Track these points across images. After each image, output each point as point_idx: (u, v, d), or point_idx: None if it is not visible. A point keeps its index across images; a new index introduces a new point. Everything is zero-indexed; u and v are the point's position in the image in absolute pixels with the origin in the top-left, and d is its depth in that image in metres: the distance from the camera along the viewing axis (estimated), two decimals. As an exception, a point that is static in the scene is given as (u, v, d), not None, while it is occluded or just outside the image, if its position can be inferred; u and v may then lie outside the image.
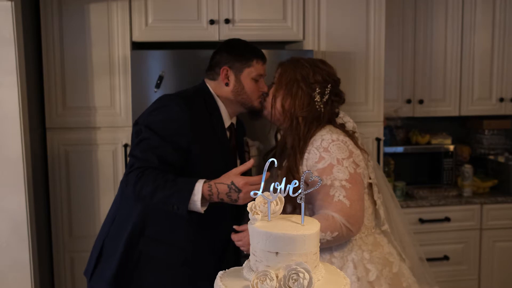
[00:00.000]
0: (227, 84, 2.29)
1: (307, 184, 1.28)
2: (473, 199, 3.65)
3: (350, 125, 2.35)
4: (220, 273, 1.33)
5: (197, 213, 2.06)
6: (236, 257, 2.49)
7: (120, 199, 2.31)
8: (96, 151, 3.22)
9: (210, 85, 2.34)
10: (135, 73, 3.05)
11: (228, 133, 2.34)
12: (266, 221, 1.29)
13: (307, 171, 1.26)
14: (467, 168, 3.71)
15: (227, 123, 2.33)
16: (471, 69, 3.87)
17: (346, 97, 3.34)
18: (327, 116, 2.24)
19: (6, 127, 2.85)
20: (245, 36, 3.22)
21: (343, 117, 2.36)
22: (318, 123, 2.20)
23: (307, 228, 1.25)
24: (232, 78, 2.28)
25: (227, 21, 3.22)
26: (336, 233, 2.02)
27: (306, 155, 2.15)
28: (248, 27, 3.25)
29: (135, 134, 2.21)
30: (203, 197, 2.01)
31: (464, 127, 4.18)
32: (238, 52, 2.29)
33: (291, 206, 2.12)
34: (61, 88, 3.17)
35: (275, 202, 1.31)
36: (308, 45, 3.30)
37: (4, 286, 2.90)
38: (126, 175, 2.11)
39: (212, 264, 2.29)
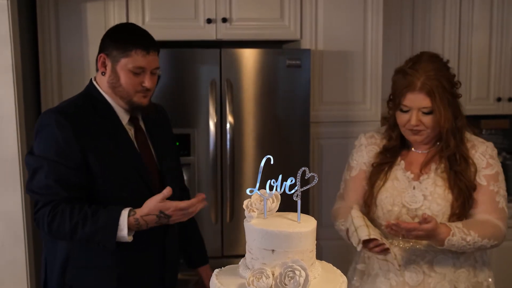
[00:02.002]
0: (103, 74, 2.03)
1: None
2: (471, 199, 3.64)
3: None
4: (216, 271, 1.32)
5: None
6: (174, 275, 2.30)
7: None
8: (93, 151, 3.21)
9: (97, 81, 2.09)
10: (131, 72, 3.04)
11: (132, 131, 2.10)
12: (262, 218, 1.28)
13: (303, 168, 1.26)
14: (465, 167, 3.70)
15: (125, 120, 2.08)
16: (468, 69, 3.86)
17: (343, 97, 3.36)
18: None
19: (2, 126, 2.83)
20: (243, 35, 3.23)
21: None
22: None
23: (303, 226, 1.24)
24: (108, 67, 2.01)
25: (224, 20, 3.21)
26: (496, 242, 2.06)
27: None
28: (246, 26, 3.24)
29: (26, 166, 2.02)
30: (129, 229, 1.90)
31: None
32: (119, 38, 1.99)
33: None
34: (57, 87, 3.16)
35: (271, 200, 1.30)
36: (306, 44, 3.30)
37: (0, 286, 2.89)
38: (34, 214, 1.97)
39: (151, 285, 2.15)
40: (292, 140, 3.20)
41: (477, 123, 4.00)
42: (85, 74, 3.16)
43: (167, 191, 1.91)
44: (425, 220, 1.88)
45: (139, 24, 3.13)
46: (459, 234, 1.96)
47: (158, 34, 3.14)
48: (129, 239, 1.92)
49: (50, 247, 2.09)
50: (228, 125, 3.05)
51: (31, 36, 3.17)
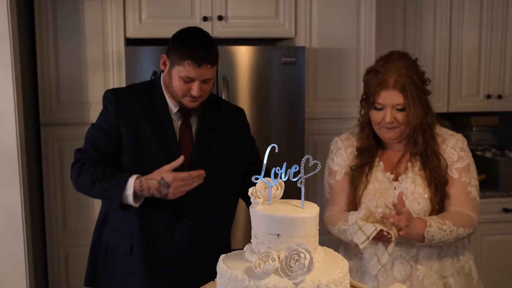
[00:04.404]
0: (162, 71, 2.23)
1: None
2: (461, 194, 3.71)
3: None
4: (222, 256, 1.37)
5: (145, 207, 2.15)
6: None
7: None
8: (90, 147, 3.24)
9: (160, 64, 2.27)
10: (129, 69, 3.08)
11: (178, 122, 2.23)
12: (267, 205, 1.33)
13: (307, 156, 1.31)
14: (455, 163, 3.77)
15: (173, 111, 2.22)
16: (459, 66, 3.93)
17: (337, 93, 3.42)
18: None
19: (2, 122, 2.86)
20: (238, 33, 3.28)
21: None
22: None
23: (307, 211, 1.29)
24: (167, 67, 2.18)
25: (220, 18, 3.26)
26: (471, 230, 2.13)
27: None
28: (241, 24, 3.29)
29: None
30: (135, 192, 2.08)
31: (452, 123, 4.22)
32: (179, 45, 2.13)
33: None
34: (55, 83, 3.19)
35: (275, 187, 1.35)
36: (300, 41, 3.35)
37: (0, 277, 2.92)
38: (71, 167, 2.21)
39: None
40: (287, 136, 3.26)
41: (467, 119, 4.07)
42: (82, 71, 3.20)
43: (180, 159, 2.10)
44: (398, 212, 1.97)
45: (136, 22, 3.19)
46: (435, 224, 2.01)
47: (155, 31, 3.23)
48: (135, 204, 2.11)
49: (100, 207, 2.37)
50: (224, 121, 3.10)
51: (29, 33, 3.20)
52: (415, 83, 2.09)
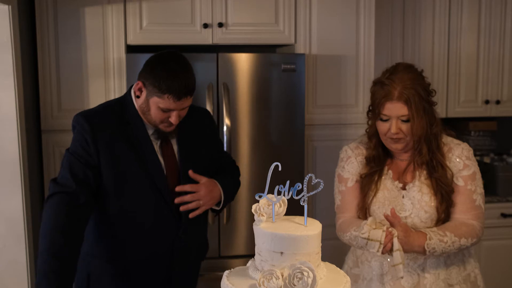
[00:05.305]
0: (137, 97, 2.15)
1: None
2: (459, 199, 3.73)
3: None
4: (226, 272, 1.39)
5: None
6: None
7: None
8: (91, 153, 3.26)
9: (134, 89, 2.19)
10: (130, 76, 3.10)
11: (157, 143, 2.19)
12: (271, 222, 1.35)
13: (310, 175, 1.33)
14: (454, 168, 3.79)
15: (151, 131, 2.18)
16: (457, 72, 3.96)
17: (336, 100, 3.44)
18: None
19: (4, 129, 2.88)
20: (238, 39, 3.30)
21: None
22: None
23: (310, 229, 1.31)
24: (143, 95, 2.12)
25: (220, 24, 3.27)
26: (475, 240, 2.14)
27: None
28: (241, 31, 3.31)
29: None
30: None
31: (451, 128, 4.27)
32: (158, 77, 2.05)
33: None
34: (56, 90, 3.21)
35: (278, 204, 1.37)
36: (300, 48, 3.37)
37: (1, 287, 2.93)
38: (45, 203, 2.08)
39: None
40: (287, 142, 3.28)
41: (465, 125, 4.10)
42: (83, 78, 3.21)
43: None
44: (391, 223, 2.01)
45: (137, 28, 3.21)
46: (436, 237, 2.04)
47: (155, 38, 3.24)
48: None
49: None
50: (225, 127, 3.12)
51: (30, 40, 3.22)
52: (420, 95, 2.12)
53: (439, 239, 2.04)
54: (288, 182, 1.32)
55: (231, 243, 3.24)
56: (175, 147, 2.23)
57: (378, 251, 1.97)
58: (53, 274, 1.91)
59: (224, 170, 2.43)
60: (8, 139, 2.90)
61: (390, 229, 2.00)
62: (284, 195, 1.34)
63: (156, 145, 2.18)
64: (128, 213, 2.15)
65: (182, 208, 2.17)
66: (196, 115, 2.32)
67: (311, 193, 1.34)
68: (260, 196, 1.36)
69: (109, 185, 2.11)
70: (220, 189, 2.28)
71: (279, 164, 1.33)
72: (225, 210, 3.16)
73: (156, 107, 2.08)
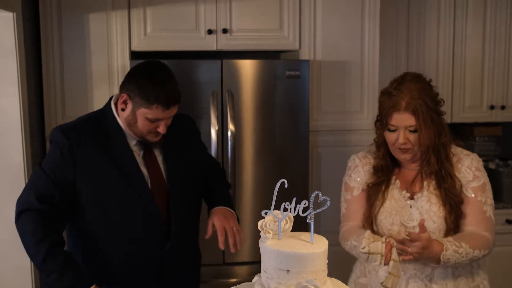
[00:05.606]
0: (122, 110, 2.09)
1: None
2: (464, 205, 3.72)
3: None
4: (232, 289, 1.38)
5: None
6: None
7: None
8: (96, 159, 3.26)
9: (115, 104, 2.15)
10: (134, 82, 3.09)
11: (141, 152, 2.15)
12: (277, 239, 1.34)
13: (316, 192, 1.32)
14: (459, 174, 3.78)
15: (133, 142, 2.14)
16: (462, 77, 3.95)
17: (341, 106, 3.43)
18: None
19: (8, 135, 2.88)
20: (243, 45, 3.30)
21: None
22: None
23: (316, 247, 1.30)
24: (129, 108, 2.07)
25: (224, 30, 3.27)
26: (486, 252, 2.13)
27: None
28: (245, 37, 3.31)
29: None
30: None
31: (455, 134, 4.25)
32: (144, 88, 2.02)
33: None
34: (60, 97, 3.21)
35: (285, 221, 1.36)
36: (304, 54, 3.37)
37: (6, 293, 2.94)
38: (16, 221, 2.09)
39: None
40: (292, 148, 3.27)
41: (471, 130, 4.09)
42: (87, 85, 3.22)
43: None
44: (412, 239, 1.96)
45: (141, 35, 3.20)
46: (452, 248, 2.02)
47: (160, 44, 3.24)
48: None
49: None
50: (229, 133, 3.12)
51: (35, 47, 3.22)
52: (427, 105, 2.11)
53: (455, 250, 2.03)
54: (294, 199, 1.31)
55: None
56: (159, 157, 2.19)
57: (380, 263, 1.96)
58: (62, 267, 1.93)
59: (212, 181, 2.41)
60: (13, 145, 2.90)
61: (388, 239, 1.99)
62: (290, 212, 1.33)
63: (139, 156, 2.14)
64: (111, 227, 2.10)
65: (234, 250, 2.17)
66: (180, 122, 2.28)
67: (318, 211, 1.33)
68: (266, 213, 1.35)
69: (88, 199, 2.07)
70: (230, 211, 2.27)
71: (285, 181, 1.32)
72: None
73: (143, 118, 2.04)
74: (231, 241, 2.15)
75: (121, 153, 2.10)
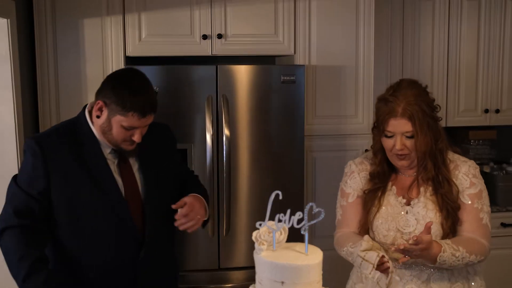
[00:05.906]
0: (98, 117, 2.08)
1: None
2: (459, 208, 3.73)
3: None
4: (227, 299, 1.38)
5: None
6: None
7: None
8: (91, 165, 3.25)
9: (90, 113, 2.15)
10: (129, 88, 3.09)
11: (115, 161, 2.14)
12: (271, 250, 1.34)
13: (310, 204, 1.32)
14: (453, 177, 3.79)
15: (107, 151, 2.13)
16: (457, 81, 3.96)
17: (336, 111, 3.44)
18: None
19: (2, 141, 2.88)
20: (237, 50, 3.30)
21: None
22: None
23: (311, 258, 1.31)
24: (104, 115, 2.06)
25: (219, 36, 3.27)
26: (482, 258, 2.13)
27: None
28: (240, 42, 3.31)
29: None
30: None
31: (450, 137, 4.26)
32: (120, 95, 2.01)
33: None
34: (55, 103, 3.20)
35: (279, 232, 1.36)
36: (299, 59, 3.37)
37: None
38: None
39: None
40: (287, 153, 3.27)
41: (465, 134, 4.10)
42: (82, 90, 3.21)
43: None
44: (416, 242, 1.96)
45: (136, 40, 3.20)
46: (449, 250, 2.03)
47: (154, 50, 3.24)
48: None
49: None
50: (224, 138, 3.11)
51: (29, 52, 3.21)
52: (424, 111, 2.12)
53: (452, 253, 2.03)
54: (289, 210, 1.31)
55: (231, 255, 3.23)
56: (135, 166, 2.19)
57: (370, 273, 1.97)
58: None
59: (187, 182, 2.42)
60: (7, 151, 2.89)
61: (382, 256, 1.99)
62: (285, 223, 1.33)
63: (114, 165, 2.13)
64: (85, 235, 2.09)
65: (182, 228, 2.14)
66: (156, 131, 2.27)
67: (312, 222, 1.34)
68: (260, 224, 1.35)
69: (62, 208, 2.07)
70: (203, 201, 2.27)
71: (279, 193, 1.32)
72: (224, 221, 3.16)
73: (118, 126, 2.04)
74: (188, 224, 2.15)
75: (94, 161, 2.10)
